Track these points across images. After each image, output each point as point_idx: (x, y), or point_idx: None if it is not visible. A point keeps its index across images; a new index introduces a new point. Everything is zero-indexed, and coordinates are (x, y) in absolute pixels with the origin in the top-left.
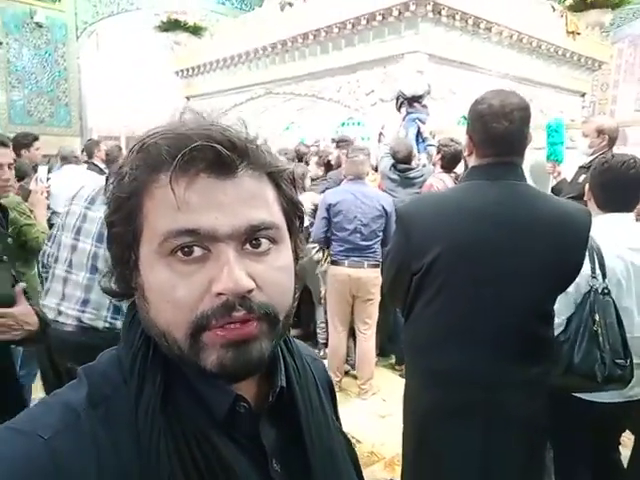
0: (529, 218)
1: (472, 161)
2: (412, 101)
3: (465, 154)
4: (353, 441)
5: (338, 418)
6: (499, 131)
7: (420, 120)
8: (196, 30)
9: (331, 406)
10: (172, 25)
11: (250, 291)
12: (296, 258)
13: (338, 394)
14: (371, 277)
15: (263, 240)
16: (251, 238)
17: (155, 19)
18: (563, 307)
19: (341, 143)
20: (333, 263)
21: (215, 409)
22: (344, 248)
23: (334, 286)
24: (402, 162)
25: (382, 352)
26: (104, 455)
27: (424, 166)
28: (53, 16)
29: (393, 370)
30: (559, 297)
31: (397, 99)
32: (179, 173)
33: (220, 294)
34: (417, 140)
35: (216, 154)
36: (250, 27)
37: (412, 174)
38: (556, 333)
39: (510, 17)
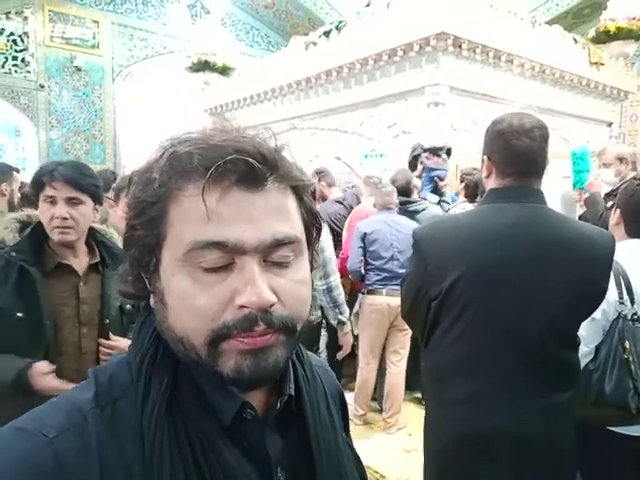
0: (550, 241)
1: (491, 183)
2: (431, 153)
3: (483, 176)
4: (377, 476)
5: (348, 432)
6: (521, 148)
7: (439, 177)
8: (225, 70)
9: (341, 418)
10: (202, 66)
11: (272, 305)
12: (311, 269)
13: (362, 428)
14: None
15: (285, 253)
16: (274, 251)
17: (186, 61)
18: (591, 335)
19: (319, 174)
20: (369, 293)
21: (222, 414)
22: (382, 277)
23: (371, 317)
24: (400, 193)
25: (408, 385)
26: (108, 456)
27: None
28: (92, 60)
29: (419, 404)
30: (586, 324)
31: (413, 154)
32: (211, 184)
33: (243, 306)
34: (435, 192)
35: (248, 167)
36: (276, 66)
37: (412, 207)
38: (585, 362)
39: (532, 49)
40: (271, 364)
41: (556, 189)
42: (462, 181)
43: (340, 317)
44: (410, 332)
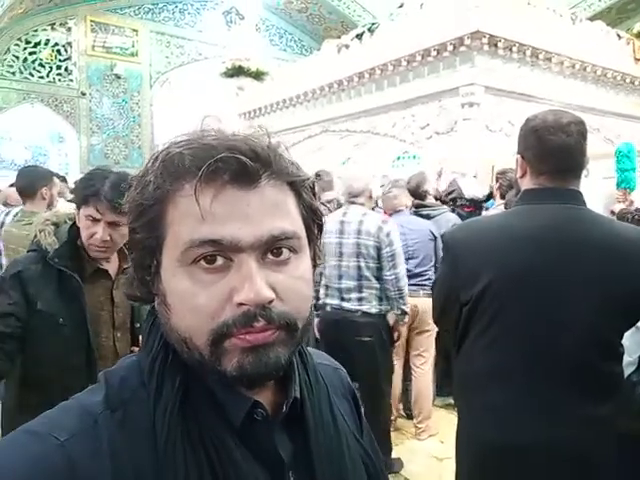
0: (588, 245)
1: (525, 183)
2: (471, 204)
3: (518, 176)
4: None
5: (362, 429)
6: (555, 144)
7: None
8: (258, 75)
9: (354, 417)
10: (236, 71)
11: (270, 301)
12: (314, 265)
13: (393, 434)
14: (428, 306)
15: (284, 250)
16: (272, 248)
17: (221, 67)
18: (634, 345)
19: (316, 177)
20: None
21: (232, 415)
22: None
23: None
24: (413, 195)
25: (439, 391)
26: (119, 459)
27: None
28: (131, 68)
29: (452, 410)
30: (630, 334)
31: (450, 193)
32: (204, 183)
33: (241, 304)
34: None
35: (240, 165)
36: (308, 70)
37: (425, 212)
38: (628, 372)
39: (572, 46)
40: (272, 360)
41: (598, 190)
42: (497, 181)
43: (403, 307)
44: (433, 333)
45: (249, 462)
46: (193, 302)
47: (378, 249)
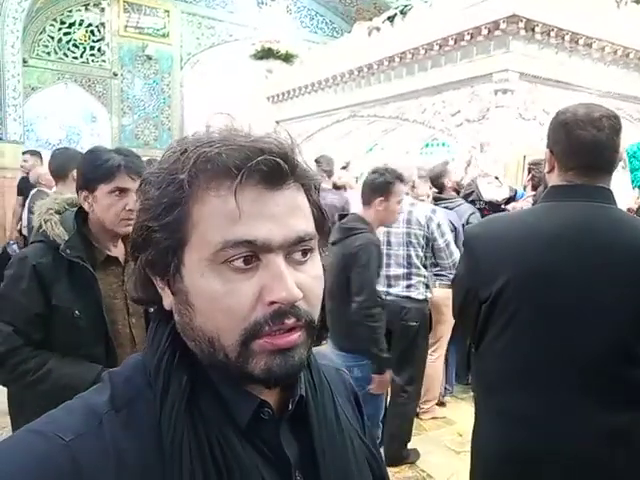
0: (613, 246)
1: (553, 179)
2: (490, 207)
3: (546, 171)
4: (424, 475)
5: (365, 430)
6: (585, 139)
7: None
8: (287, 57)
9: (357, 418)
10: (266, 53)
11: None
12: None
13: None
14: (443, 296)
15: (304, 250)
16: (296, 248)
17: (251, 48)
18: None
19: (317, 163)
20: None
21: (239, 414)
22: None
23: None
24: (433, 184)
25: (459, 378)
26: (124, 459)
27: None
28: (162, 49)
29: (471, 403)
30: None
31: (467, 194)
32: (240, 184)
33: (273, 302)
34: None
35: (274, 166)
36: (338, 52)
37: (443, 204)
38: None
39: (614, 32)
40: (297, 362)
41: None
42: (529, 172)
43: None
44: (446, 322)
45: (256, 461)
46: (225, 302)
47: (427, 239)
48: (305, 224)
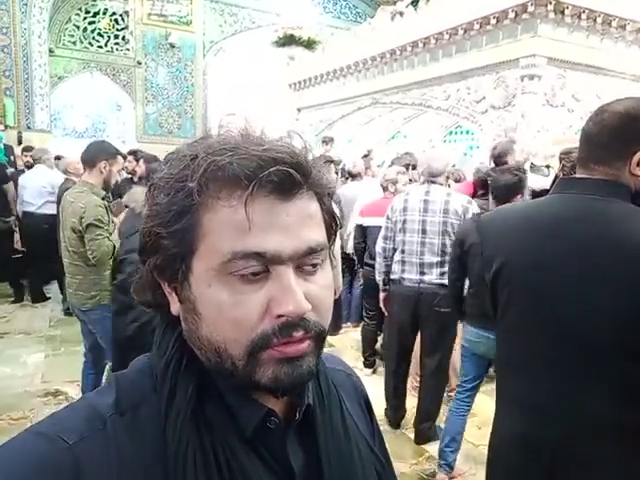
0: (611, 241)
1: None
2: (496, 162)
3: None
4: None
5: (375, 435)
6: (583, 132)
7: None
8: (310, 44)
9: (366, 423)
10: (288, 40)
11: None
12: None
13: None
14: None
15: (316, 260)
16: (306, 259)
17: (273, 35)
18: None
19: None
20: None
21: (245, 423)
22: None
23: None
24: (495, 163)
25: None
26: (127, 463)
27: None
28: (185, 37)
29: (491, 396)
30: None
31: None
32: (251, 194)
33: (281, 315)
34: None
35: (286, 177)
36: (360, 39)
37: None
38: None
39: None
40: (305, 370)
41: None
42: (560, 161)
43: None
44: None
45: (259, 471)
46: (232, 313)
47: None
48: (316, 234)
